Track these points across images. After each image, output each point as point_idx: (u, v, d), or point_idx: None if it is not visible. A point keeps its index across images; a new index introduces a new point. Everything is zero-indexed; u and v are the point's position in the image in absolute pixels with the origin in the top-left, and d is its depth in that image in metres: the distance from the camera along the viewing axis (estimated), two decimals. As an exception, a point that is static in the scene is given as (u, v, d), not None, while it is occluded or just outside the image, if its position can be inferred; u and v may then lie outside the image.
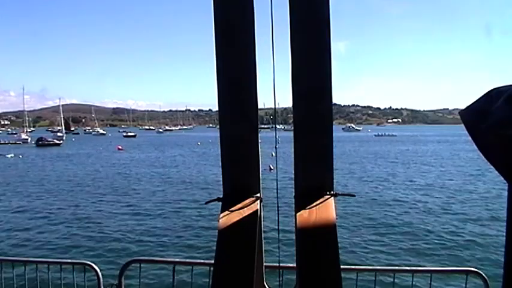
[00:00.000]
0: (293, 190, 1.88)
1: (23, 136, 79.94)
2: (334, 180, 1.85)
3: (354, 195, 2.48)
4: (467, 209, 17.05)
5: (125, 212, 17.05)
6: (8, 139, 77.51)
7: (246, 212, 1.83)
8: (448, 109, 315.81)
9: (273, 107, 2.03)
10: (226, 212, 1.83)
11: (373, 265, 8.64)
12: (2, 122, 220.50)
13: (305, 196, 1.82)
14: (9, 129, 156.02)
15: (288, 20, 1.66)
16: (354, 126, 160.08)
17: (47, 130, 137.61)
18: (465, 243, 12.19)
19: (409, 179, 26.69)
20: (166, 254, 11.16)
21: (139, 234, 13.53)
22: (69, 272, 3.98)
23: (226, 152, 1.91)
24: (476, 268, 3.44)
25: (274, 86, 1.92)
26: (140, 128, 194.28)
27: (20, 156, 46.75)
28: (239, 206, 1.86)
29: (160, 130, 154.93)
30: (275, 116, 2.70)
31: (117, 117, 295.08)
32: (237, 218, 1.80)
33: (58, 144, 67.64)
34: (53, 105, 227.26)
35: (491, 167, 0.91)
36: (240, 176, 1.93)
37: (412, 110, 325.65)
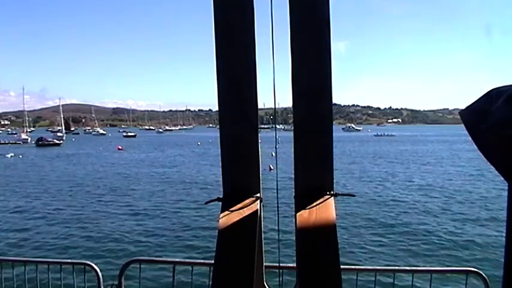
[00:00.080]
0: (293, 190, 1.88)
1: (23, 136, 79.95)
2: (334, 180, 1.86)
3: (354, 195, 2.48)
4: (467, 209, 17.04)
5: (125, 212, 17.05)
6: (8, 139, 77.54)
7: (246, 212, 1.83)
8: (448, 109, 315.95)
9: (273, 107, 2.03)
10: (226, 212, 1.83)
11: (373, 265, 8.64)
12: (2, 122, 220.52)
13: (305, 196, 1.82)
14: (9, 129, 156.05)
15: (288, 20, 1.66)
16: (354, 126, 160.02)
17: (47, 130, 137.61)
18: (465, 244, 12.18)
19: (408, 179, 26.68)
20: (166, 254, 11.16)
21: (139, 234, 13.53)
22: (69, 272, 3.98)
23: (226, 152, 1.91)
24: (476, 268, 3.44)
25: (274, 86, 1.92)
26: (140, 128, 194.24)
27: (20, 156, 46.76)
28: (239, 206, 1.86)
29: (160, 130, 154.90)
30: (275, 116, 2.70)
31: (117, 117, 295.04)
32: (237, 218, 1.80)
33: (58, 144, 67.65)
34: (53, 105, 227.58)
35: (491, 167, 0.91)
36: (240, 176, 1.93)
37: (412, 110, 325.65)
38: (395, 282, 3.40)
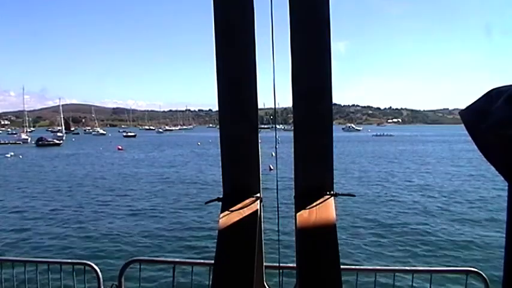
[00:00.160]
0: (293, 190, 1.88)
1: (23, 136, 79.94)
2: (334, 180, 1.86)
3: (354, 195, 2.48)
4: (467, 209, 17.03)
5: (125, 212, 17.04)
6: (8, 139, 77.49)
7: (246, 212, 1.83)
8: (448, 109, 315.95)
9: (273, 107, 2.03)
10: (226, 212, 1.83)
11: (372, 265, 8.63)
12: (2, 122, 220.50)
13: (305, 196, 1.82)
14: (9, 129, 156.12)
15: (288, 20, 1.66)
16: (354, 126, 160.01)
17: (47, 130, 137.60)
18: (464, 244, 12.16)
19: (407, 179, 26.66)
20: (166, 254, 11.15)
21: (139, 234, 13.52)
22: (69, 272, 3.98)
23: (226, 152, 1.91)
24: (475, 268, 3.44)
25: (274, 86, 1.92)
26: (140, 128, 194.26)
27: (20, 156, 46.74)
28: (239, 206, 1.86)
29: (160, 130, 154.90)
30: (275, 116, 2.70)
31: (117, 117, 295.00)
32: (237, 218, 1.80)
33: (58, 144, 67.61)
34: (53, 105, 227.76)
35: (491, 167, 0.91)
36: (240, 176, 1.93)
37: (412, 110, 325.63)
38: (395, 282, 3.40)
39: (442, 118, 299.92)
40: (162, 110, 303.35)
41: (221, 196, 1.92)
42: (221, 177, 1.93)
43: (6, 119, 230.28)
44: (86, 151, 56.26)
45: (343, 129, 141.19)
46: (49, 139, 71.75)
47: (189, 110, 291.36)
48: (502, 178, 0.89)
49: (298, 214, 1.75)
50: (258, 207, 1.86)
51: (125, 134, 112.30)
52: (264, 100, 2.07)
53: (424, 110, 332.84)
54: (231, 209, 1.84)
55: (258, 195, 1.92)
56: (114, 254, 11.27)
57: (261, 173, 1.95)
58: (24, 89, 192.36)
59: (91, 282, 3.88)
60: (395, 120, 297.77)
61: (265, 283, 2.19)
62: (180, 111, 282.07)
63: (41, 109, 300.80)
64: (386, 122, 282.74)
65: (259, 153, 1.90)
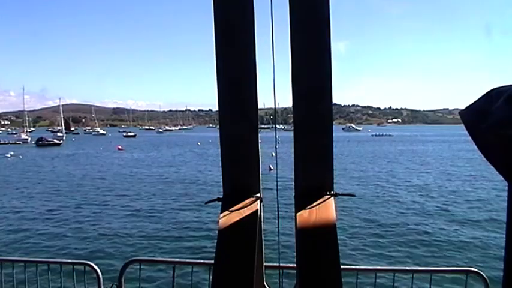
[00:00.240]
0: (293, 190, 1.88)
1: (23, 136, 79.96)
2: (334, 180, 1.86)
3: (354, 195, 2.48)
4: (467, 210, 17.03)
5: (125, 212, 17.04)
6: (8, 139, 77.48)
7: (246, 212, 1.83)
8: (448, 109, 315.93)
9: (273, 107, 2.03)
10: (226, 212, 1.83)
11: (372, 265, 8.63)
12: (2, 122, 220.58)
13: (305, 196, 1.82)
14: (9, 129, 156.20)
15: (288, 20, 1.66)
16: (354, 126, 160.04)
17: (47, 130, 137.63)
18: (464, 244, 12.16)
19: (407, 179, 26.64)
20: (166, 254, 11.16)
21: (139, 234, 13.53)
22: (69, 272, 3.98)
23: (226, 152, 1.91)
24: (475, 268, 3.44)
25: (274, 86, 1.92)
26: (140, 128, 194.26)
27: (20, 157, 46.73)
28: (239, 206, 1.86)
29: (160, 130, 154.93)
30: (275, 116, 2.70)
31: (117, 117, 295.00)
32: (237, 218, 1.80)
33: (58, 144, 67.63)
34: (53, 105, 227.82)
35: (491, 167, 0.91)
36: (240, 176, 1.93)
37: (412, 110, 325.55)
38: (395, 282, 3.40)
39: (442, 118, 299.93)
40: (162, 110, 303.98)
41: (221, 196, 1.92)
42: (221, 177, 1.93)
43: (6, 119, 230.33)
44: (86, 151, 56.26)
45: (343, 129, 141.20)
46: (49, 139, 71.77)
47: (189, 110, 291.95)
48: (502, 178, 0.89)
49: (298, 214, 1.75)
50: (258, 207, 1.86)
51: (124, 134, 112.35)
52: (264, 100, 2.07)
53: (424, 110, 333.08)
54: (231, 209, 1.84)
55: (258, 195, 1.92)
56: (114, 254, 11.27)
57: (261, 173, 1.95)
58: (24, 89, 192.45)
59: (91, 282, 3.88)
60: (395, 120, 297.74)
61: (265, 283, 2.19)
62: (180, 111, 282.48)
63: (41, 109, 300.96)
64: (387, 122, 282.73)
65: (259, 153, 1.90)
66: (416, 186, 23.64)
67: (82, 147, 65.19)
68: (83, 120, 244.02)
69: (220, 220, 1.80)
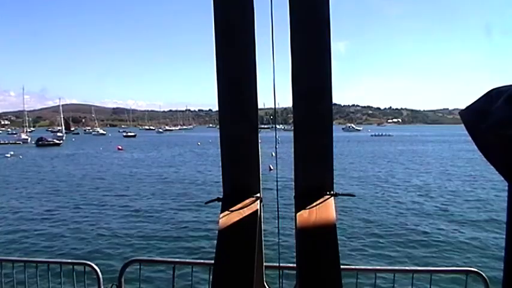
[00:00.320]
0: (293, 190, 1.88)
1: (23, 136, 79.97)
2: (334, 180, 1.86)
3: (354, 195, 2.48)
4: (467, 210, 17.03)
5: (125, 212, 17.03)
6: (8, 139, 77.43)
7: (246, 212, 1.83)
8: (448, 109, 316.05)
9: (273, 107, 2.03)
10: (226, 212, 1.83)
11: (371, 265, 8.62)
12: (2, 122, 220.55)
13: (305, 196, 1.82)
14: (9, 129, 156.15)
15: (288, 20, 1.66)
16: (354, 126, 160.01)
17: (47, 130, 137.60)
18: (464, 244, 12.16)
19: (406, 179, 26.62)
20: (166, 254, 11.15)
21: (139, 234, 13.52)
22: (69, 272, 3.98)
23: (226, 152, 1.91)
24: (475, 268, 3.44)
25: (274, 86, 1.92)
26: (140, 128, 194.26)
27: (20, 156, 46.72)
28: (239, 206, 1.86)
29: (160, 130, 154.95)
30: (275, 116, 2.70)
31: (117, 117, 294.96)
32: (237, 218, 1.80)
33: (58, 144, 67.62)
34: (53, 105, 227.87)
35: (491, 167, 0.91)
36: (240, 176, 1.93)
37: (412, 110, 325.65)
38: (395, 282, 3.40)
39: (442, 118, 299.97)
40: (162, 110, 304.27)
41: (221, 196, 1.92)
42: (221, 177, 1.93)
43: (6, 119, 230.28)
44: (86, 151, 56.25)
45: (343, 129, 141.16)
46: (49, 139, 71.76)
47: (189, 110, 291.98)
48: (502, 178, 0.89)
49: (298, 214, 1.75)
50: (258, 207, 1.86)
51: (124, 134, 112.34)
52: (264, 100, 2.07)
53: (424, 110, 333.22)
54: (231, 209, 1.84)
55: (258, 195, 1.92)
56: (114, 254, 11.27)
57: (261, 173, 1.95)
58: (24, 89, 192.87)
59: (91, 282, 3.88)
60: (395, 120, 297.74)
61: (265, 283, 2.19)
62: (180, 111, 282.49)
63: (41, 109, 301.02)
64: (387, 122, 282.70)
65: (259, 153, 1.90)
66: (416, 186, 23.63)
67: (82, 147, 65.17)
68: (83, 120, 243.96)
69: (220, 220, 1.80)
